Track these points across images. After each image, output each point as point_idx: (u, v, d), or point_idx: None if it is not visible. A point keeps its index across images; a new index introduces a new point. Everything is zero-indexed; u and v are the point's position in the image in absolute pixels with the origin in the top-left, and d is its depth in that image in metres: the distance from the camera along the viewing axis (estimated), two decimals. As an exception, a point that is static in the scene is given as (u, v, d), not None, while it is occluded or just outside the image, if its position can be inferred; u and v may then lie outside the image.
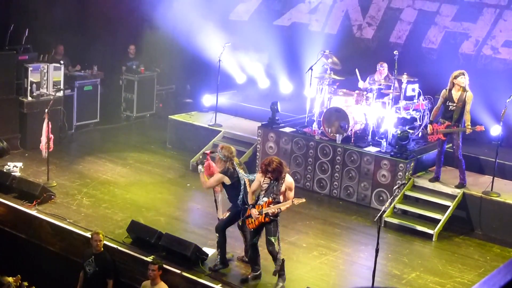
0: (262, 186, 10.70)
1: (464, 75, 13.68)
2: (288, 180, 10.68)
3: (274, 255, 10.77)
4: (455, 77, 13.72)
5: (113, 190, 14.89)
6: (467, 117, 13.69)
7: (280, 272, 10.88)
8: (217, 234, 11.40)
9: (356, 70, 16.25)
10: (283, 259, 10.86)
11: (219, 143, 14.58)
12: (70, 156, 16.84)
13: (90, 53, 19.89)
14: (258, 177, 10.79)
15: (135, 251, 11.95)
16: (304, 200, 10.71)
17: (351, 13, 19.33)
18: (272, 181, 10.60)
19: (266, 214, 10.57)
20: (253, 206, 10.69)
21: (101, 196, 14.47)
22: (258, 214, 10.60)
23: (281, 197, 10.59)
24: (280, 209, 10.56)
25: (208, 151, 11.90)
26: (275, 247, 10.72)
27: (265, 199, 10.62)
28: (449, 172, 14.74)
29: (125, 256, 11.92)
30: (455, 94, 13.76)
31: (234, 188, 11.20)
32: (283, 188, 10.58)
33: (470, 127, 13.61)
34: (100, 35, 20.15)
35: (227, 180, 11.12)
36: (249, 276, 11.15)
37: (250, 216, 10.79)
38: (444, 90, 13.96)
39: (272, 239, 10.71)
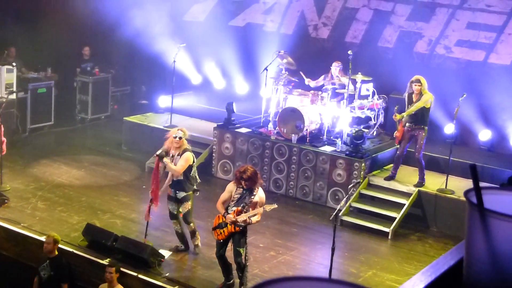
0: (233, 197, 10.65)
1: (419, 82, 13.85)
2: (261, 194, 10.67)
3: (241, 266, 10.73)
4: (412, 82, 13.94)
5: (68, 193, 14.75)
6: (410, 109, 13.88)
7: (242, 281, 10.85)
8: (191, 224, 12.04)
9: (300, 72, 16.27)
10: (246, 265, 10.84)
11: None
12: (24, 160, 16.63)
13: (43, 55, 19.68)
14: (230, 187, 10.77)
15: (91, 254, 11.87)
16: (276, 205, 10.76)
17: (307, 13, 19.38)
18: (244, 191, 10.57)
19: (236, 224, 10.54)
20: (228, 213, 10.64)
21: (56, 200, 14.34)
22: (234, 218, 10.51)
23: (251, 209, 10.55)
24: (251, 219, 10.51)
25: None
26: (243, 258, 10.69)
27: (234, 208, 10.57)
28: (404, 170, 14.86)
29: (81, 260, 11.82)
30: (415, 97, 13.96)
31: (190, 170, 11.76)
32: (254, 200, 10.54)
33: (399, 114, 14.01)
34: (54, 36, 19.96)
35: (192, 160, 11.74)
36: (222, 286, 11.08)
37: (218, 226, 10.75)
38: (406, 93, 14.17)
39: (241, 250, 10.67)
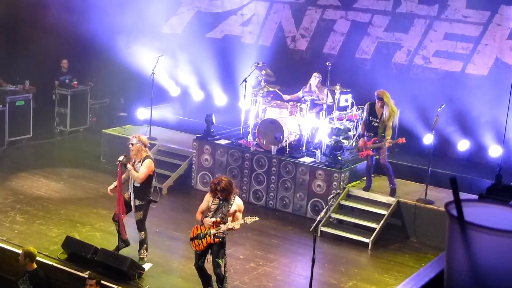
0: (210, 207, 10.66)
1: (381, 100, 13.81)
2: (238, 202, 10.69)
3: (220, 277, 10.72)
4: (376, 96, 13.91)
5: (48, 206, 14.68)
6: (387, 133, 13.84)
7: None
8: (142, 232, 11.91)
9: (276, 90, 16.28)
10: (226, 276, 10.84)
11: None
12: (3, 173, 16.53)
13: (22, 67, 19.60)
14: (207, 198, 10.77)
15: (70, 267, 11.82)
16: (257, 218, 10.79)
17: (285, 25, 19.41)
18: (221, 202, 10.57)
19: (216, 235, 10.53)
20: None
21: (35, 213, 14.26)
22: (213, 225, 10.53)
23: (230, 219, 10.56)
24: (234, 226, 10.55)
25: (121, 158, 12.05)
26: (222, 269, 10.68)
27: (213, 219, 10.57)
28: (383, 181, 14.89)
29: (61, 273, 11.77)
30: (378, 110, 13.93)
31: (151, 178, 11.81)
32: (232, 209, 10.56)
33: (389, 140, 13.80)
34: (32, 49, 19.89)
35: (153, 168, 11.81)
36: None
37: (196, 237, 10.73)
38: (367, 104, 14.16)
39: (220, 261, 10.66)
